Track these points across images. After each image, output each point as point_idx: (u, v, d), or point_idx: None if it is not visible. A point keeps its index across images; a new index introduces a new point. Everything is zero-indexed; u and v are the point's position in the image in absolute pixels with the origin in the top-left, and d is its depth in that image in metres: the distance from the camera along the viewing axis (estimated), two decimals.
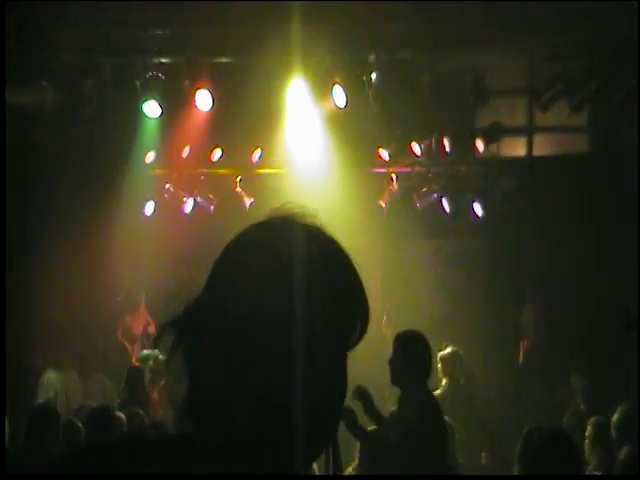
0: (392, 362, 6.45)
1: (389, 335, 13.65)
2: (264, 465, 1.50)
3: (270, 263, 1.56)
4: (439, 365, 10.54)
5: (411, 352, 6.47)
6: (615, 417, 7.44)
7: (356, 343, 1.61)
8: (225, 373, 1.49)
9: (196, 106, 12.64)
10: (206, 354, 1.52)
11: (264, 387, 1.48)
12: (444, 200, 13.95)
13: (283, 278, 1.53)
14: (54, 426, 7.14)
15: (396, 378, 6.40)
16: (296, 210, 1.71)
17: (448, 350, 10.70)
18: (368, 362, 14.36)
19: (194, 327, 1.54)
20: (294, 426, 1.47)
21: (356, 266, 1.69)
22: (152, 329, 13.65)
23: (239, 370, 1.48)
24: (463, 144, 13.80)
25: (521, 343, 13.02)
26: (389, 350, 13.42)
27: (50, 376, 12.02)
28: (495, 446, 9.51)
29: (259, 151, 13.72)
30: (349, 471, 7.29)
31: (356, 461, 7.35)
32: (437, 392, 10.31)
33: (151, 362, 11.76)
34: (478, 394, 10.75)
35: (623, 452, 6.55)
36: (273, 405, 1.48)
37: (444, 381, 10.41)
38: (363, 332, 1.62)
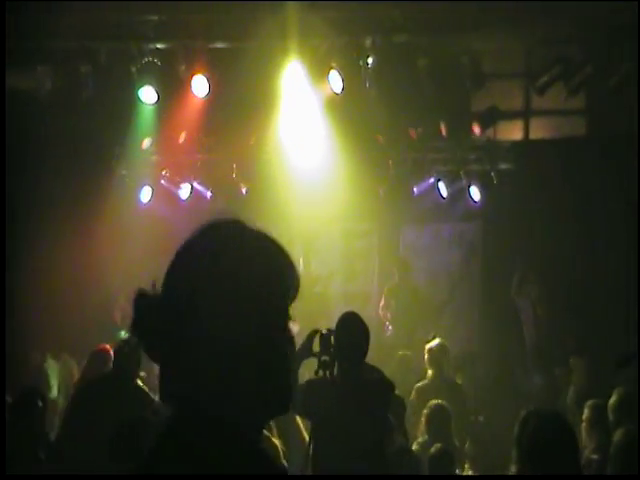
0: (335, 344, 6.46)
1: (387, 318, 13.73)
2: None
3: (212, 267, 1.80)
4: (426, 356, 10.53)
5: (351, 334, 6.50)
6: (612, 400, 7.47)
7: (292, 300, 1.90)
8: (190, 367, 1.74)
9: (192, 92, 12.62)
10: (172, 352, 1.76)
11: (222, 375, 1.73)
12: (441, 185, 13.95)
13: (228, 279, 1.77)
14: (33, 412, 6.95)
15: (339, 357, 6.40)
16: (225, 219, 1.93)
17: (435, 342, 10.70)
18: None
19: (158, 327, 1.79)
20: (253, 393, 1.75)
21: (281, 247, 2.00)
22: None
23: (201, 362, 1.73)
24: (460, 128, 13.79)
25: (520, 326, 13.04)
26: (387, 332, 13.50)
27: (50, 364, 11.97)
28: (478, 437, 9.47)
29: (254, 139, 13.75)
30: None
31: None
32: (423, 383, 10.33)
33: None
34: (464, 386, 10.74)
35: (617, 434, 6.57)
36: (231, 383, 1.73)
37: (430, 372, 10.41)
38: (297, 291, 1.91)
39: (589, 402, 7.87)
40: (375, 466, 6.26)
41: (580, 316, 12.82)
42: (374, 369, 6.69)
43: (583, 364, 10.75)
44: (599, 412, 7.55)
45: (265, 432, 6.78)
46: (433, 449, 7.30)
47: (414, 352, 11.76)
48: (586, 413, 7.67)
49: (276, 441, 6.95)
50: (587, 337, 12.11)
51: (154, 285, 1.86)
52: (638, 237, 11.95)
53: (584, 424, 7.57)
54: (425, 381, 10.32)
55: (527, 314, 13.19)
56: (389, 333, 13.52)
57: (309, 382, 6.42)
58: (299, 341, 6.56)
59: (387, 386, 6.58)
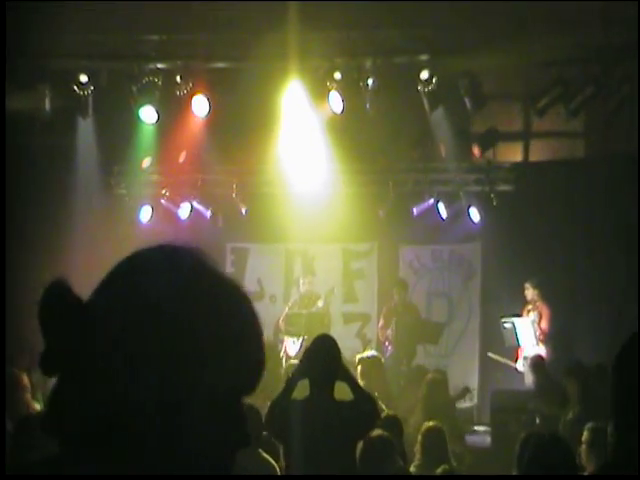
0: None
1: (386, 339, 13.71)
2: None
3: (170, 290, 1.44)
4: (358, 367, 10.63)
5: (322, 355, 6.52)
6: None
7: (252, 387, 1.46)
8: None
9: (192, 111, 12.65)
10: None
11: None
12: (440, 205, 13.94)
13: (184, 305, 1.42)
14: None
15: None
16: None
17: (366, 354, 10.82)
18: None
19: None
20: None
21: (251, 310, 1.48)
22: None
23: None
24: (459, 150, 13.80)
25: (519, 348, 13.01)
26: (387, 353, 13.47)
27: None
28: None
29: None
30: None
31: None
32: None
33: None
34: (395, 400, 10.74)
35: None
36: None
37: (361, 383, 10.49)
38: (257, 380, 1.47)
39: (588, 425, 7.84)
40: None
41: (580, 336, 12.80)
42: (364, 397, 6.59)
43: (580, 386, 10.64)
44: (598, 435, 7.51)
45: (263, 453, 6.77)
46: (440, 470, 7.26)
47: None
48: (585, 435, 7.64)
49: (273, 462, 6.93)
50: (586, 358, 12.07)
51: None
52: (638, 259, 11.95)
53: (583, 446, 7.53)
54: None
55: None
56: (388, 354, 13.49)
57: (283, 405, 6.45)
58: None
59: (362, 413, 6.48)
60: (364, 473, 6.62)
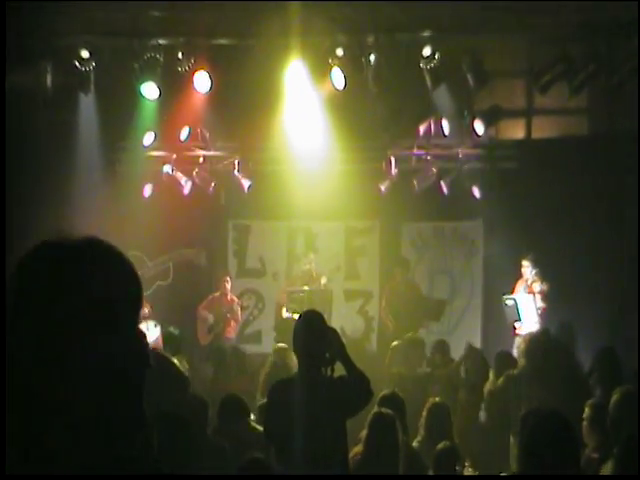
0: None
1: (388, 317, 13.73)
2: None
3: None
4: (521, 346, 10.44)
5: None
6: (614, 399, 7.45)
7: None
8: None
9: (194, 88, 12.63)
10: None
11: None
12: (443, 183, 13.94)
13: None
14: None
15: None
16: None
17: (530, 332, 10.68)
18: (370, 343, 14.42)
19: None
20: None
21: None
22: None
23: None
24: (462, 126, 13.78)
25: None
26: (389, 332, 13.49)
27: None
28: None
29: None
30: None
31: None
32: (515, 372, 10.24)
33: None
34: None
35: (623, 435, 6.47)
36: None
37: (522, 361, 10.32)
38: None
39: (589, 401, 7.85)
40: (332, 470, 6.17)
41: (581, 313, 12.82)
42: (356, 375, 6.51)
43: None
44: (599, 411, 7.53)
45: (252, 422, 6.77)
46: (441, 445, 7.28)
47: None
48: (586, 412, 7.66)
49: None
50: (588, 334, 12.09)
51: None
52: (639, 235, 11.95)
53: (584, 423, 7.56)
54: (517, 370, 10.21)
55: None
56: (391, 331, 13.51)
57: (272, 386, 6.52)
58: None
59: (353, 390, 6.42)
60: (367, 451, 6.64)
